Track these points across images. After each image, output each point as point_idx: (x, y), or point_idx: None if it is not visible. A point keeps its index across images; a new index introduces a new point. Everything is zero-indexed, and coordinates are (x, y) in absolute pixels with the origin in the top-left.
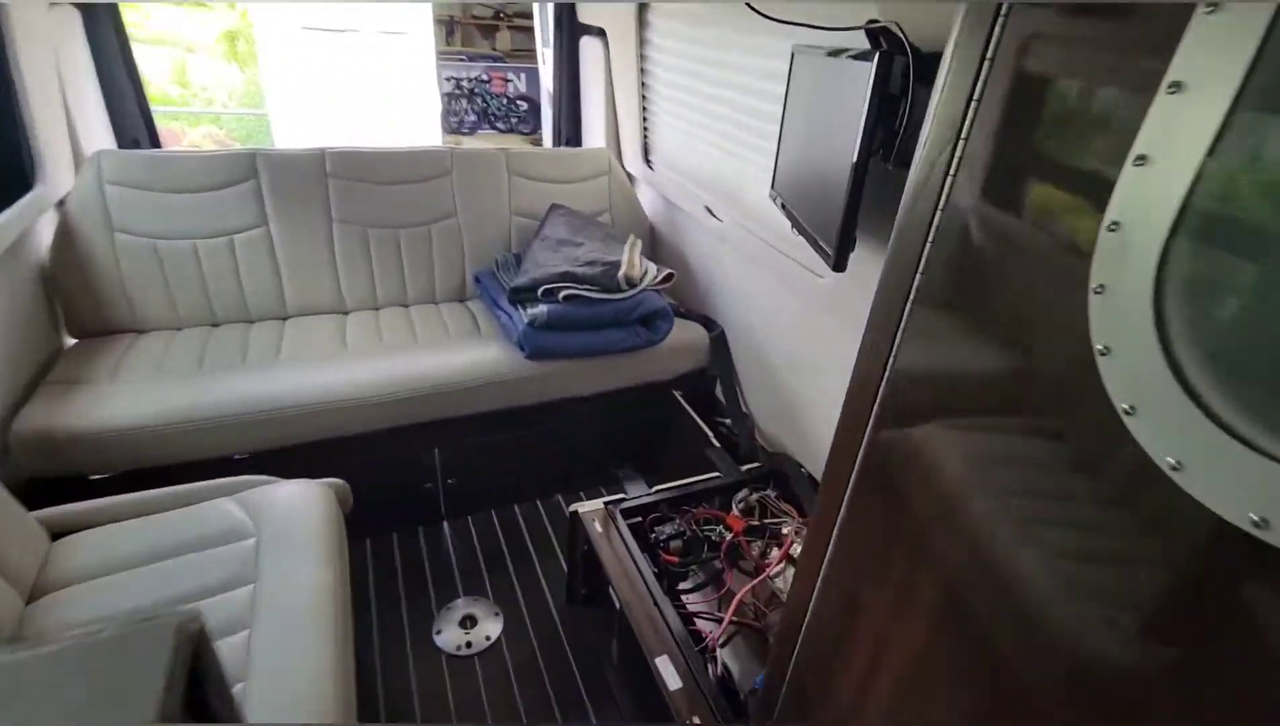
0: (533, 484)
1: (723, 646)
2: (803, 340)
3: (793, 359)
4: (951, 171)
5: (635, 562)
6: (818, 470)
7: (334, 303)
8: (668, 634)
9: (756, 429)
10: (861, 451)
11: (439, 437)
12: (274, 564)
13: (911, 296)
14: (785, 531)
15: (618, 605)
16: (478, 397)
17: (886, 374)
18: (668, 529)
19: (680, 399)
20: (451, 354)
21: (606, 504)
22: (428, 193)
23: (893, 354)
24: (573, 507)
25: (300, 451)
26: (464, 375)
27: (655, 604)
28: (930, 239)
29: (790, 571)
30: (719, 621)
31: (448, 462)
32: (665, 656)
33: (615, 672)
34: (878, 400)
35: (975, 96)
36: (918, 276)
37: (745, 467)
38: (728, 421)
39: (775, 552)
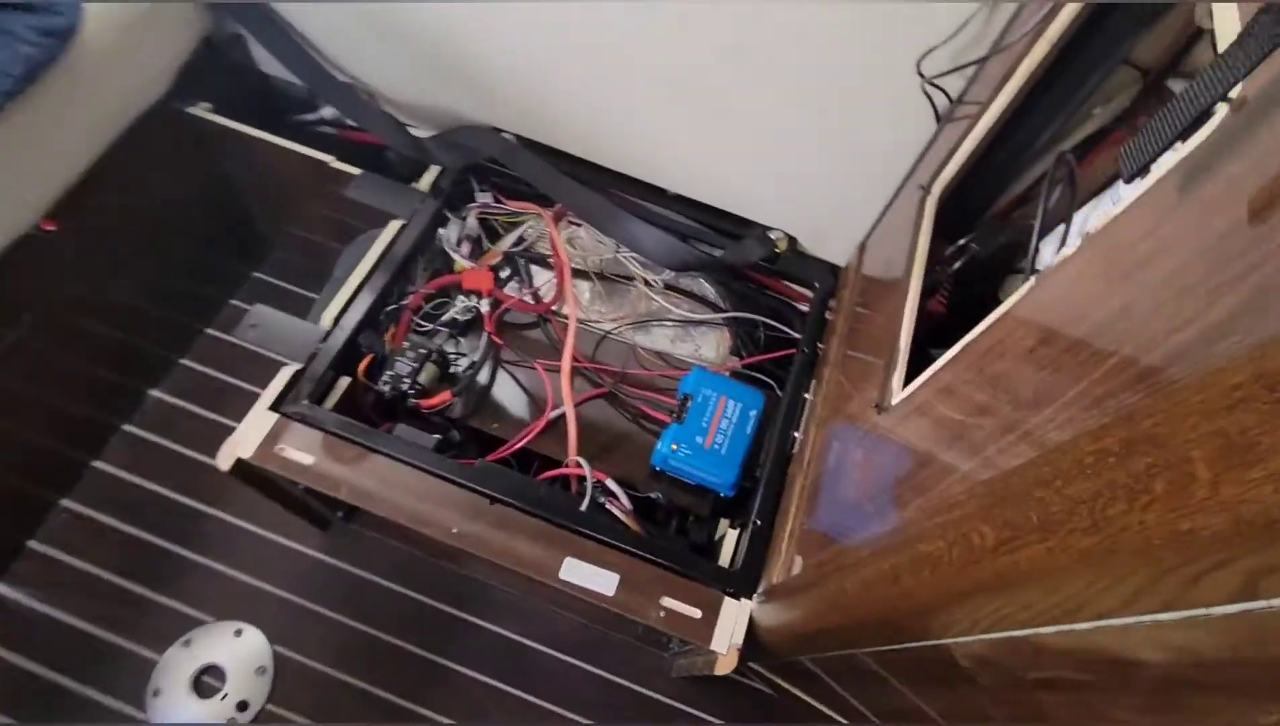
0: (88, 416)
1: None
2: None
3: None
4: None
5: (408, 462)
6: (533, 128)
7: None
8: (544, 525)
9: (383, 101)
10: None
11: None
12: None
13: None
14: (533, 232)
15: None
16: None
17: None
18: (402, 366)
19: (215, 117)
20: None
21: (281, 410)
22: None
23: None
24: (226, 456)
25: None
26: None
27: (494, 498)
28: None
29: (581, 282)
30: (551, 432)
31: None
32: (568, 559)
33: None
34: None
35: None
36: None
37: (425, 186)
38: (323, 115)
39: (548, 277)
